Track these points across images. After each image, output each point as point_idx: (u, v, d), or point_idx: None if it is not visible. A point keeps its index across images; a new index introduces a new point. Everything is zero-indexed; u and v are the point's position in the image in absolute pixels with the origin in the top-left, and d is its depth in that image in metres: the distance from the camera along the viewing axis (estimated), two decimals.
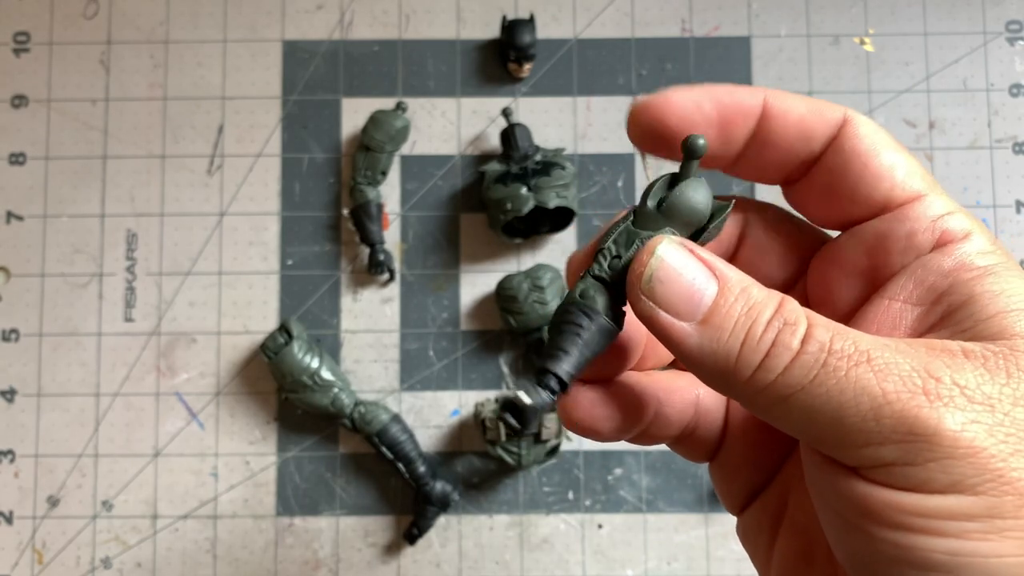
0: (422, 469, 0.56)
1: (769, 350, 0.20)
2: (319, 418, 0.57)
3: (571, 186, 0.56)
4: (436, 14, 0.60)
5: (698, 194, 0.23)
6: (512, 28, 0.58)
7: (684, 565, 0.56)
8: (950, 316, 0.22)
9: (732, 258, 0.26)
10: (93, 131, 0.60)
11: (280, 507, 0.57)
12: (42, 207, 0.59)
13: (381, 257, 0.57)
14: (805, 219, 0.26)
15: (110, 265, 0.59)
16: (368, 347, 0.58)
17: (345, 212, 0.58)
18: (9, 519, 0.57)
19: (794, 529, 0.25)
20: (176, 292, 0.58)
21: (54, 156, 0.59)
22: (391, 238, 0.59)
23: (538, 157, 0.56)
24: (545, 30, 0.60)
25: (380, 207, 0.58)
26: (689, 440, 0.26)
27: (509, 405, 0.22)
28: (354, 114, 0.59)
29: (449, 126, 0.59)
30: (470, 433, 0.58)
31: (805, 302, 0.24)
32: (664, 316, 0.21)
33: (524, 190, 0.54)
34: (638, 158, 0.59)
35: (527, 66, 0.59)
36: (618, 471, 0.57)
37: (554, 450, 0.55)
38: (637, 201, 0.24)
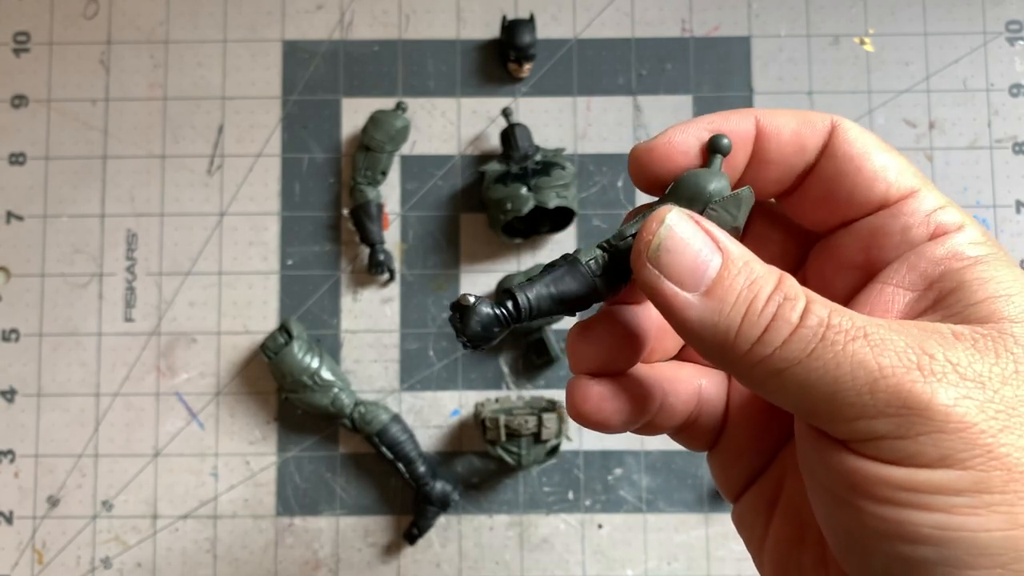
0: (422, 469, 0.56)
1: (769, 324, 0.21)
2: (319, 418, 0.57)
3: (571, 186, 0.56)
4: (436, 14, 0.60)
5: (710, 179, 0.23)
6: (512, 28, 0.58)
7: (684, 565, 0.56)
8: (941, 301, 0.22)
9: None
10: (93, 131, 0.60)
11: (280, 507, 0.57)
12: (42, 207, 0.59)
13: (381, 257, 0.57)
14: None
15: (110, 265, 0.59)
16: (368, 347, 0.58)
17: (345, 212, 0.58)
18: (9, 519, 0.57)
19: (788, 513, 0.25)
20: (176, 292, 0.58)
21: (54, 156, 0.59)
22: (391, 238, 0.59)
23: (538, 157, 0.56)
24: (545, 30, 0.60)
25: (380, 207, 0.58)
26: (691, 429, 0.27)
27: (455, 305, 0.22)
28: (354, 114, 0.59)
29: (449, 126, 0.59)
30: (470, 433, 0.58)
31: None
32: (668, 286, 0.21)
33: (524, 190, 0.54)
34: None
35: (527, 66, 0.59)
36: (618, 471, 0.57)
37: (554, 450, 0.55)
38: (639, 204, 0.24)
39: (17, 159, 0.59)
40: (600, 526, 0.57)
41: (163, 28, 0.60)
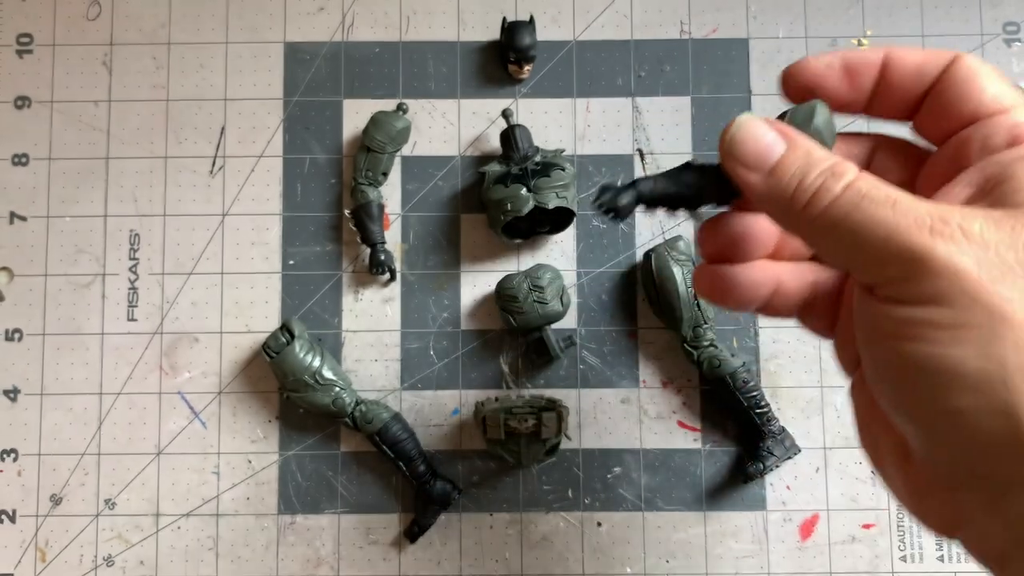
0: (423, 468, 0.56)
1: (816, 191, 0.26)
2: (320, 417, 0.57)
3: (570, 187, 0.56)
4: (437, 16, 0.60)
5: (812, 109, 0.30)
6: (512, 30, 0.58)
7: (682, 563, 0.57)
8: (990, 191, 0.26)
9: None
10: (96, 132, 0.60)
11: (282, 505, 0.58)
12: (45, 208, 0.59)
13: (382, 257, 0.57)
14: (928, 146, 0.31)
15: (113, 265, 0.59)
16: (369, 346, 0.59)
17: (346, 213, 0.59)
18: (12, 517, 0.58)
19: None
20: (178, 292, 0.59)
21: (57, 157, 0.60)
22: (392, 238, 0.59)
23: (538, 158, 0.56)
24: (545, 32, 0.60)
25: (381, 207, 0.58)
26: (811, 315, 0.33)
27: (604, 187, 0.31)
28: (355, 115, 0.60)
29: (450, 127, 0.60)
30: (470, 432, 0.58)
31: None
32: (740, 168, 0.28)
33: (524, 191, 0.55)
34: (637, 159, 0.59)
35: (527, 68, 0.59)
36: (617, 470, 0.57)
37: (553, 449, 0.55)
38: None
39: (20, 160, 0.60)
40: (599, 524, 0.57)
41: (165, 30, 0.61)
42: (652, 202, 0.31)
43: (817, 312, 0.33)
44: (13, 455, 0.58)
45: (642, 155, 0.59)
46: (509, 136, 0.57)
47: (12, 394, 0.58)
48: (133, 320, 0.59)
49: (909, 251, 0.24)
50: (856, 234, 0.25)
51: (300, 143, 0.60)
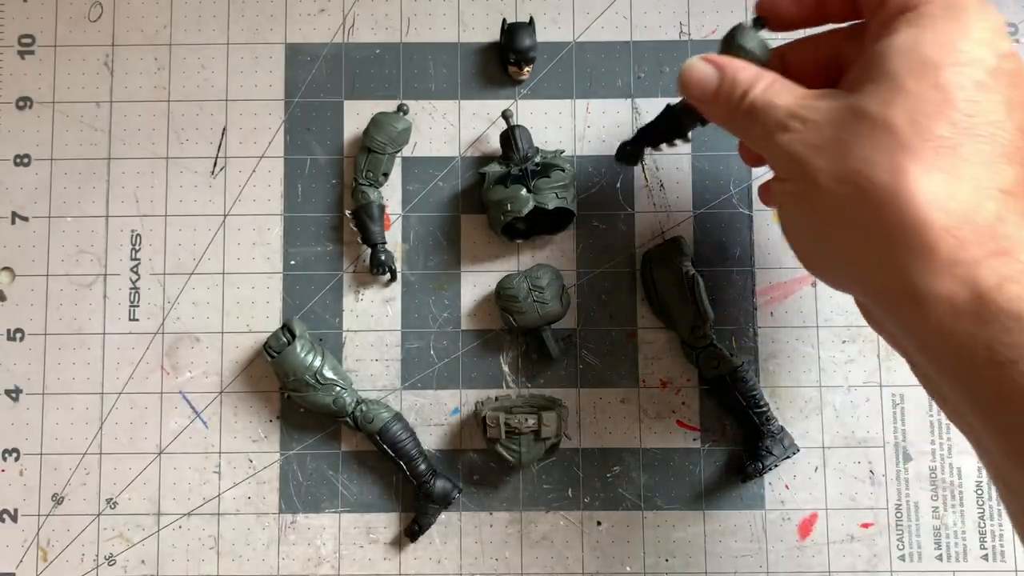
0: (423, 467, 0.56)
1: (738, 100, 0.39)
2: (321, 416, 0.58)
3: (570, 187, 0.56)
4: (437, 17, 0.61)
5: (733, 33, 0.42)
6: (512, 31, 0.58)
7: (682, 561, 0.57)
8: (855, 75, 0.37)
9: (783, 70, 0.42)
10: (98, 133, 0.60)
11: (283, 504, 0.58)
12: (47, 208, 0.60)
13: (383, 257, 0.57)
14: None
15: (114, 266, 0.59)
16: (370, 346, 0.59)
17: (347, 213, 0.59)
18: (14, 517, 0.58)
19: None
20: (180, 292, 0.59)
21: (59, 157, 0.60)
22: (392, 239, 0.59)
23: (538, 159, 0.57)
24: (545, 33, 0.60)
25: (382, 208, 0.58)
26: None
27: (621, 144, 0.52)
28: (356, 116, 0.60)
29: (450, 128, 0.60)
30: (470, 431, 0.58)
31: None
32: (694, 100, 0.41)
33: (524, 191, 0.55)
34: None
35: (527, 69, 0.59)
36: (616, 469, 0.58)
37: (553, 448, 0.55)
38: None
39: (22, 160, 0.60)
40: (599, 523, 0.57)
41: (166, 31, 0.61)
42: (654, 140, 0.49)
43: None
44: (15, 455, 0.58)
45: (642, 160, 0.59)
46: (509, 137, 0.57)
47: (14, 394, 0.59)
48: (135, 320, 0.59)
49: (771, 146, 0.37)
50: (753, 127, 0.38)
51: (301, 144, 0.60)
